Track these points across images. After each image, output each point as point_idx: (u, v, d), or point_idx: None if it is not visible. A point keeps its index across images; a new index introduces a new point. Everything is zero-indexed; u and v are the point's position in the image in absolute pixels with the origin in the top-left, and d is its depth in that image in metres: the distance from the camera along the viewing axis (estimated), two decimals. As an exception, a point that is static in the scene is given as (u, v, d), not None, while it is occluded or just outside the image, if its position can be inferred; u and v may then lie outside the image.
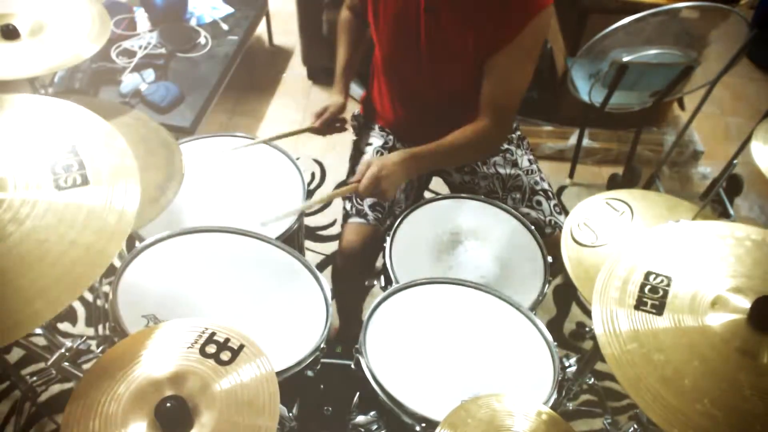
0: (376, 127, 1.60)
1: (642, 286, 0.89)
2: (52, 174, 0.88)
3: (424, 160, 1.32)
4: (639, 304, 0.88)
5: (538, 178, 1.52)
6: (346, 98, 1.55)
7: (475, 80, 1.32)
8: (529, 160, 1.55)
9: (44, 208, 0.85)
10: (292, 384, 1.13)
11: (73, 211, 0.85)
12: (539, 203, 1.49)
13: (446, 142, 1.31)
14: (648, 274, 0.91)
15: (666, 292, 0.88)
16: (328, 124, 1.55)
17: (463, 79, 1.35)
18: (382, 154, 1.54)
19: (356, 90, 2.64)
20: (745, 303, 0.84)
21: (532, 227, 1.42)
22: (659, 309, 0.87)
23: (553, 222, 1.47)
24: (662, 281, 0.90)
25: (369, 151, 1.56)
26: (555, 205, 1.50)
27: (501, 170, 1.53)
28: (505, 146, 1.56)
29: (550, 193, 1.51)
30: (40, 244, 0.82)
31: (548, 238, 1.44)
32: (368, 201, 1.46)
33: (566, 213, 1.36)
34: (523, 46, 1.25)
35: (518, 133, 1.60)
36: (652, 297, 0.88)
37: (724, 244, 0.94)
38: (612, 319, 0.87)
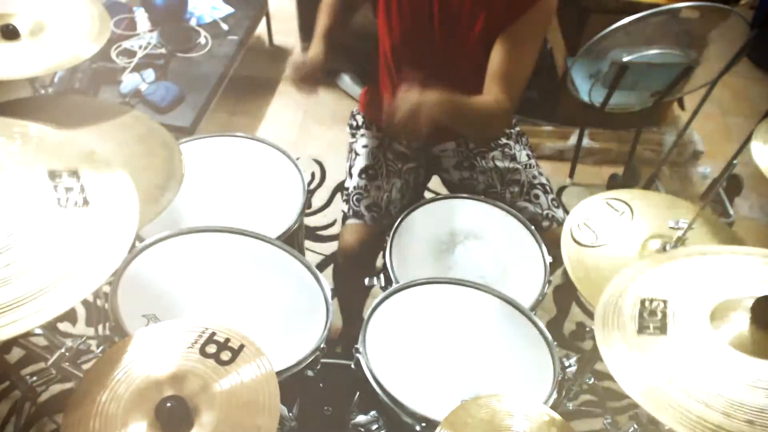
0: (374, 127, 1.60)
1: (640, 312, 0.89)
2: (54, 192, 0.89)
3: (450, 102, 1.22)
4: (642, 329, 0.87)
5: (536, 173, 1.53)
6: (325, 56, 1.41)
7: (484, 65, 1.33)
8: (528, 155, 1.56)
9: (46, 223, 0.85)
10: (292, 384, 1.13)
11: (73, 230, 0.85)
12: (537, 197, 1.50)
13: (468, 99, 1.26)
14: (643, 302, 0.91)
15: (665, 315, 0.88)
16: (304, 77, 1.38)
17: (473, 65, 1.36)
18: (375, 156, 1.54)
19: (355, 89, 2.64)
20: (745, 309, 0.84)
21: (532, 227, 1.42)
22: (662, 329, 0.87)
23: (550, 216, 1.48)
24: (658, 305, 0.90)
25: (363, 152, 1.56)
26: (553, 200, 1.50)
27: (499, 164, 1.54)
28: (504, 141, 1.56)
29: (548, 188, 1.52)
30: (40, 256, 0.82)
31: (545, 232, 1.44)
32: (364, 202, 1.47)
33: (565, 210, 1.36)
34: (530, 25, 1.26)
35: (517, 129, 1.61)
36: (652, 320, 0.88)
37: (713, 261, 0.95)
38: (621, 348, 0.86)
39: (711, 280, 0.92)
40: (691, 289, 0.91)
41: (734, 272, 0.93)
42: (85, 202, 0.89)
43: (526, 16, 1.25)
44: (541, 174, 1.54)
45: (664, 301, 0.90)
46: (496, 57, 1.31)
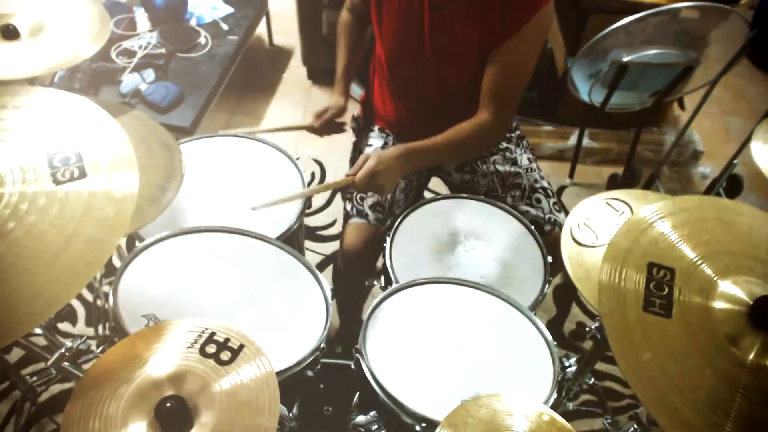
0: (376, 128, 1.61)
1: (647, 282, 0.88)
2: (50, 168, 0.88)
3: (423, 156, 1.31)
4: (648, 306, 0.86)
5: (537, 176, 1.53)
6: (346, 100, 1.55)
7: (477, 77, 1.33)
8: (529, 159, 1.55)
9: (43, 202, 0.85)
10: (292, 384, 1.13)
11: (72, 204, 0.85)
12: (539, 201, 1.49)
13: (444, 138, 1.31)
14: (651, 267, 0.89)
15: (671, 289, 0.87)
16: (327, 125, 1.55)
17: (466, 77, 1.36)
18: None
19: (356, 90, 2.64)
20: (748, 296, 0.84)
21: (532, 227, 1.42)
22: (667, 310, 0.85)
23: (552, 219, 1.48)
24: (665, 275, 0.88)
25: (368, 151, 1.55)
26: (554, 203, 1.50)
27: (500, 168, 1.53)
28: (504, 145, 1.56)
29: (549, 191, 1.52)
30: (40, 238, 0.82)
31: (547, 236, 1.44)
32: (368, 201, 1.46)
33: (566, 212, 1.37)
34: (525, 40, 1.26)
35: (518, 132, 1.60)
36: (659, 296, 0.87)
37: (721, 223, 0.94)
38: (623, 327, 0.85)
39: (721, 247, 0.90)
40: (700, 258, 0.89)
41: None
42: (82, 173, 0.88)
43: (521, 33, 1.24)
44: (542, 178, 1.53)
45: (671, 271, 0.87)
46: (491, 74, 1.31)
